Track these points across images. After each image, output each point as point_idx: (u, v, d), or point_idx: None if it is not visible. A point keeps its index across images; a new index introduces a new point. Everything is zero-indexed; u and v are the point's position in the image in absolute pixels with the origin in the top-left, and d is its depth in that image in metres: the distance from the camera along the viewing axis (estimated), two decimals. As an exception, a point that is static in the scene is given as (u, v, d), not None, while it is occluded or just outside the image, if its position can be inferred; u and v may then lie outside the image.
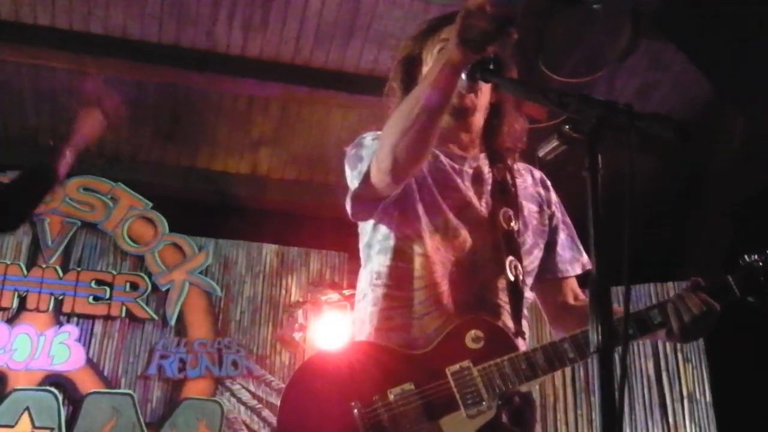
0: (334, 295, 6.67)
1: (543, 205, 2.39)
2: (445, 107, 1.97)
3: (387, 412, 1.99)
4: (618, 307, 1.85)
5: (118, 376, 6.48)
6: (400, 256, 2.21)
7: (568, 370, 6.49)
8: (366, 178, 2.11)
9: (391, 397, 2.00)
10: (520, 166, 2.43)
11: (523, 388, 2.10)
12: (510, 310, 2.15)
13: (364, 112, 6.25)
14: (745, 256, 2.10)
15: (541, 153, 1.53)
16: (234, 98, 6.61)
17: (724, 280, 2.08)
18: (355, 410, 2.00)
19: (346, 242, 6.36)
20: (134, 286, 6.75)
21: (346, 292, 6.56)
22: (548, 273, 2.38)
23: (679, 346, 6.48)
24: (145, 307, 6.69)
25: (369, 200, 2.17)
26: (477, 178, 2.30)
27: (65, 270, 6.64)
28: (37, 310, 6.46)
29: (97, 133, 2.87)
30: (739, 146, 6.18)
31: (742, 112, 5.84)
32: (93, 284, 6.65)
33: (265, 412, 6.55)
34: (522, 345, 2.11)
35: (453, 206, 2.21)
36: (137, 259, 6.88)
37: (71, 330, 6.46)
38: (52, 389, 6.21)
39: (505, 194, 2.29)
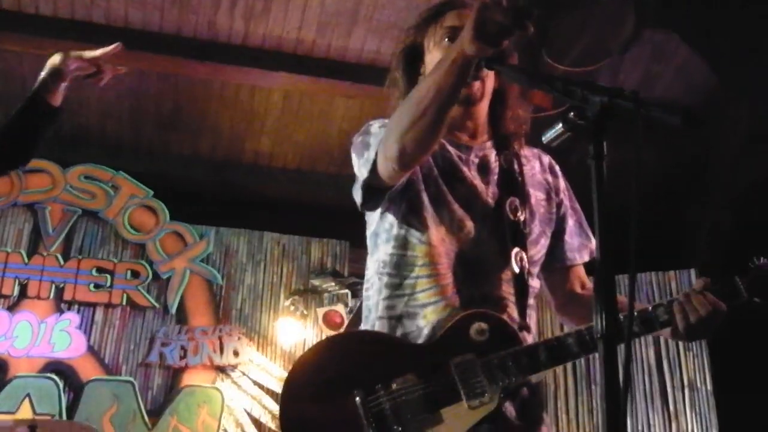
0: (335, 283, 6.69)
1: (551, 192, 2.36)
2: (456, 99, 1.96)
3: (390, 401, 1.98)
4: (622, 297, 1.86)
5: (119, 363, 6.50)
6: (405, 245, 2.19)
7: (568, 360, 6.50)
8: (374, 165, 2.09)
9: (394, 386, 1.99)
10: (527, 152, 2.39)
11: (533, 380, 2.11)
12: (515, 303, 2.14)
13: (366, 101, 6.25)
14: (755, 259, 2.10)
15: (545, 139, 1.52)
16: (236, 87, 6.60)
17: (733, 281, 2.07)
18: (358, 398, 1.99)
19: (347, 231, 6.36)
20: (135, 274, 6.76)
21: (347, 280, 6.57)
22: (556, 262, 2.36)
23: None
24: (146, 294, 6.70)
25: (377, 189, 2.16)
26: (483, 167, 2.27)
27: (66, 258, 6.65)
28: (38, 297, 6.48)
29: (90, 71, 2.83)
30: (742, 135, 6.18)
31: (745, 101, 5.84)
32: (94, 272, 6.66)
33: (266, 400, 6.56)
34: (527, 338, 2.10)
35: (459, 197, 2.19)
36: (138, 247, 6.89)
37: (72, 317, 6.47)
38: (53, 376, 6.23)
39: (511, 183, 2.26)
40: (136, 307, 6.69)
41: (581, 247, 2.38)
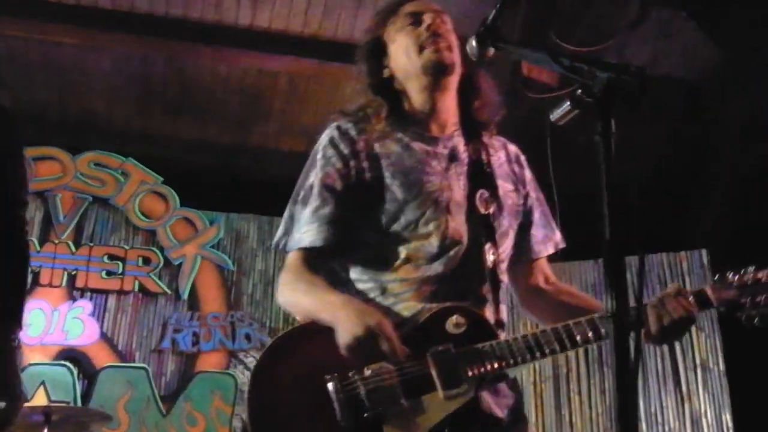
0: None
1: (518, 184, 2.34)
2: None
3: (364, 386, 1.96)
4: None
5: (132, 350, 6.52)
6: (378, 262, 2.19)
7: (580, 341, 6.49)
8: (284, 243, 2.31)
9: (368, 372, 1.97)
10: (495, 141, 2.38)
11: (510, 374, 2.12)
12: (491, 299, 2.14)
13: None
14: (727, 274, 2.08)
15: (553, 118, 1.50)
16: (243, 71, 6.58)
17: (703, 292, 2.05)
18: (330, 384, 1.96)
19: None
20: (147, 261, 6.77)
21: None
22: (522, 255, 2.34)
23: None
24: (158, 281, 6.72)
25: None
26: (453, 159, 2.25)
27: (78, 245, 6.67)
28: (51, 285, 6.50)
29: None
30: (749, 113, 6.13)
31: (752, 78, 5.80)
32: (105, 259, 6.68)
33: (279, 385, 6.57)
34: (501, 335, 2.09)
35: (430, 197, 2.17)
36: (149, 234, 6.91)
37: (85, 305, 6.49)
38: (67, 364, 6.26)
39: (481, 174, 2.25)
40: (148, 293, 6.71)
41: (545, 239, 2.36)
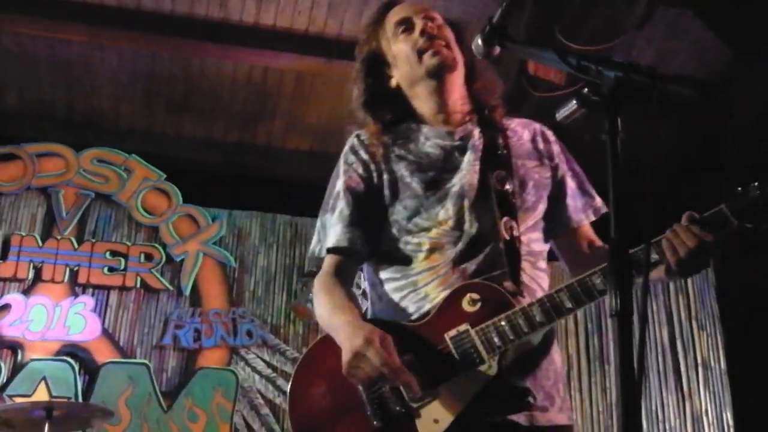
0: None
1: (543, 158, 2.36)
2: None
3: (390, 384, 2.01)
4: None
5: (134, 346, 6.52)
6: (399, 258, 2.26)
7: (582, 338, 6.50)
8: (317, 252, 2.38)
9: None
10: (515, 123, 2.42)
11: (533, 341, 2.12)
12: (508, 271, 2.14)
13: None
14: (744, 186, 2.05)
15: (559, 116, 1.50)
16: (248, 69, 6.59)
17: (719, 209, 2.01)
18: (360, 387, 2.03)
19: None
20: (149, 257, 6.77)
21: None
22: (561, 226, 2.35)
23: (693, 313, 6.48)
24: (160, 277, 6.72)
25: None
26: (467, 147, 2.30)
27: (80, 241, 6.67)
28: (53, 281, 6.50)
29: None
30: (758, 110, 6.13)
31: (760, 76, 5.80)
32: (108, 255, 6.68)
33: (280, 381, 6.59)
34: (522, 303, 2.08)
35: (448, 191, 2.22)
36: (151, 230, 6.90)
37: (87, 300, 6.49)
38: (69, 359, 6.26)
39: (496, 157, 2.28)
40: (150, 289, 6.71)
41: (585, 207, 2.37)
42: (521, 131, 2.41)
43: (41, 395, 6.02)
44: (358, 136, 2.40)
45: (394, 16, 2.40)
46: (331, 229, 2.30)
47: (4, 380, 6.10)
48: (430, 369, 2.01)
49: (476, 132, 2.33)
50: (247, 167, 7.19)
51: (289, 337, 6.81)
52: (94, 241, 6.70)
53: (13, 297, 6.36)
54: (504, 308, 2.04)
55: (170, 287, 6.73)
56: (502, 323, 2.01)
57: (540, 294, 2.14)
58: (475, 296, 2.06)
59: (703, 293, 6.60)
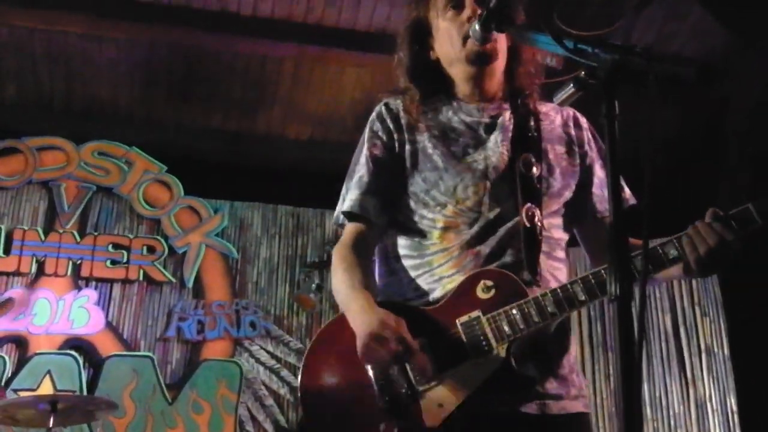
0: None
1: (573, 145, 2.34)
2: None
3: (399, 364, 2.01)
4: (635, 240, 1.84)
5: (138, 338, 6.53)
6: (417, 229, 2.24)
7: (585, 326, 6.49)
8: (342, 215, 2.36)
9: None
10: (548, 108, 2.39)
11: (549, 329, 2.10)
12: (524, 258, 2.13)
13: (377, 70, 6.20)
14: None
15: (556, 100, 1.49)
16: (247, 58, 6.57)
17: (745, 208, 1.97)
18: (369, 367, 2.03)
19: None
20: (151, 250, 6.78)
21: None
22: (586, 215, 2.33)
23: (696, 299, 6.47)
24: (163, 270, 6.73)
25: None
26: (496, 126, 2.28)
27: (82, 234, 6.68)
28: (56, 274, 6.51)
29: None
30: (758, 94, 6.11)
31: (761, 60, 5.78)
32: (110, 248, 6.68)
33: (284, 372, 6.60)
34: (536, 292, 2.07)
35: (469, 167, 2.20)
36: (153, 223, 6.91)
37: (90, 294, 6.50)
38: (73, 353, 6.27)
39: (525, 139, 2.26)
40: (153, 282, 6.71)
41: None
42: (554, 115, 2.38)
43: (46, 389, 6.04)
44: (386, 105, 2.37)
45: None
46: (348, 194, 2.30)
47: (9, 375, 6.12)
48: (439, 353, 2.01)
49: (507, 112, 2.31)
50: (248, 157, 7.18)
51: (293, 327, 6.82)
52: (96, 234, 6.71)
53: (17, 291, 6.36)
54: (517, 297, 2.03)
55: (173, 279, 6.74)
56: (514, 312, 2.01)
57: (554, 285, 2.11)
58: (489, 283, 2.06)
59: (706, 279, 6.58)
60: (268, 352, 6.68)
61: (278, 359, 6.67)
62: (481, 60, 2.26)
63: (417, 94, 2.34)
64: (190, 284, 6.76)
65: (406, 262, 2.24)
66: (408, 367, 2.00)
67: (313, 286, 6.71)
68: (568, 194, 2.27)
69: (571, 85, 1.60)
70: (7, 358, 6.16)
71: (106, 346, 6.40)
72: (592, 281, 2.00)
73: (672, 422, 6.20)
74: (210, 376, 6.46)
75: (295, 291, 6.87)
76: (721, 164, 6.55)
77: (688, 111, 6.12)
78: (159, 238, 6.83)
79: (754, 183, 6.09)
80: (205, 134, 7.19)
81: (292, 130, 7.30)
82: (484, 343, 2.00)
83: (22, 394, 5.85)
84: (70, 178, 6.80)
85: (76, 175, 6.81)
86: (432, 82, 2.37)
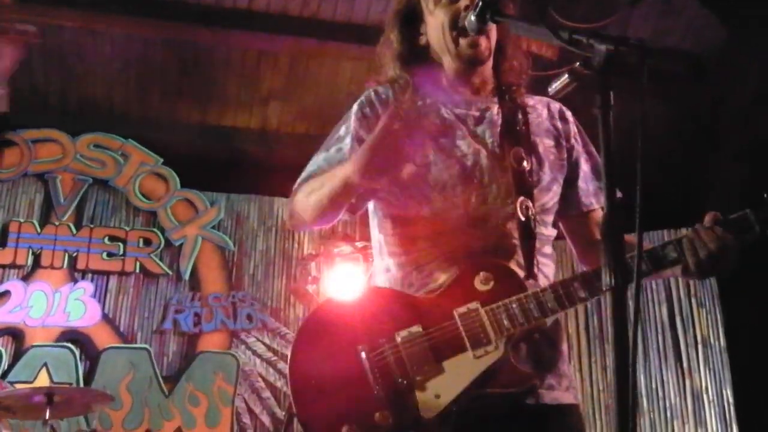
0: (346, 248, 6.68)
1: (560, 138, 2.32)
2: (348, 201, 2.15)
3: (394, 354, 1.98)
4: (631, 237, 1.84)
5: (134, 331, 6.54)
6: (405, 222, 2.20)
7: (581, 318, 6.51)
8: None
9: (398, 339, 1.99)
10: (535, 101, 2.36)
11: (547, 323, 2.08)
12: (522, 252, 2.12)
13: (373, 63, 6.19)
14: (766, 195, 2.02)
15: (551, 91, 1.48)
16: (242, 53, 6.57)
17: (743, 214, 1.99)
18: (362, 353, 1.99)
19: (357, 194, 6.34)
20: (147, 242, 6.78)
21: (359, 244, 6.55)
22: (572, 209, 2.31)
23: (692, 290, 6.48)
24: (159, 262, 6.73)
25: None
26: (485, 120, 2.26)
27: (78, 227, 6.68)
28: (52, 267, 6.51)
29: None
30: (753, 88, 6.11)
31: (755, 53, 5.77)
32: (106, 240, 6.68)
33: (281, 364, 6.60)
34: (534, 287, 2.06)
35: (459, 161, 2.17)
36: (150, 215, 6.91)
37: (86, 286, 6.50)
38: (69, 345, 6.28)
39: (515, 133, 2.24)
40: (150, 274, 6.72)
41: (597, 191, 2.32)
42: (540, 109, 2.36)
43: (42, 381, 6.05)
44: (375, 91, 2.33)
45: None
46: (318, 161, 2.30)
47: (6, 367, 6.12)
48: (436, 343, 1.99)
49: (495, 106, 2.29)
50: (244, 151, 7.17)
51: (289, 320, 6.82)
52: (92, 226, 6.71)
53: (13, 283, 6.36)
54: (516, 291, 2.01)
55: (169, 272, 6.74)
56: (513, 306, 1.99)
57: (543, 280, 2.11)
58: (488, 275, 2.04)
59: (703, 271, 6.59)
60: (264, 344, 6.69)
61: (275, 351, 6.68)
62: (473, 62, 2.24)
63: (410, 84, 2.30)
64: (187, 276, 6.77)
65: (398, 258, 2.21)
66: (404, 355, 1.98)
67: (310, 278, 6.71)
68: (556, 188, 2.26)
69: (566, 76, 1.60)
70: (3, 350, 6.16)
71: (103, 338, 6.40)
72: (593, 278, 1.99)
73: (668, 413, 6.22)
74: (207, 369, 6.47)
75: (291, 283, 6.87)
76: (715, 157, 6.55)
77: (682, 106, 6.12)
78: (155, 230, 6.83)
79: (748, 178, 6.09)
80: (201, 130, 7.19)
81: (288, 125, 7.30)
82: (482, 335, 1.98)
83: (19, 386, 5.85)
84: (66, 171, 6.79)
85: (72, 168, 6.80)
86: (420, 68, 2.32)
